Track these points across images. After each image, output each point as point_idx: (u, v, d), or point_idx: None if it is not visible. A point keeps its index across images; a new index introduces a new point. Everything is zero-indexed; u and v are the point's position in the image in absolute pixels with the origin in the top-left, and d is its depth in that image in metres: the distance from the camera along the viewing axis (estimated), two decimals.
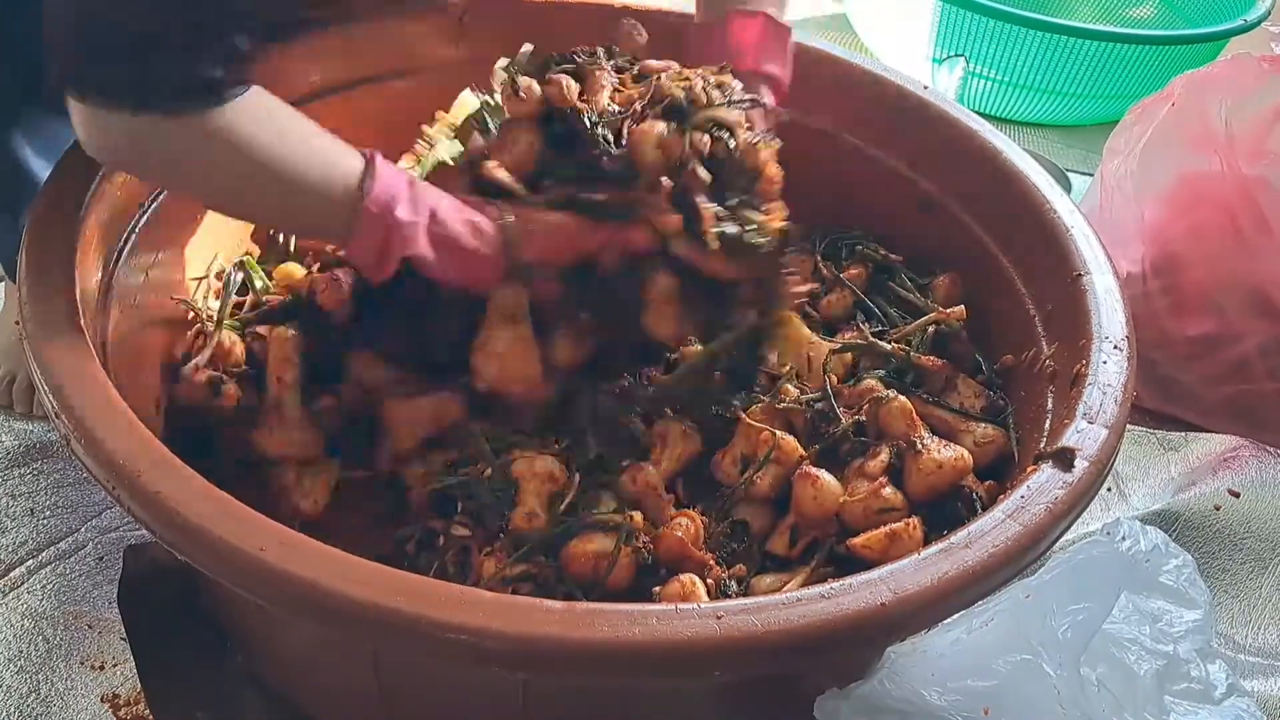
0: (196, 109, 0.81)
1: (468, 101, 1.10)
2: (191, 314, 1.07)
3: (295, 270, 1.12)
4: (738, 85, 0.96)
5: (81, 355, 0.81)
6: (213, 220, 1.10)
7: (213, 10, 0.81)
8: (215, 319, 1.05)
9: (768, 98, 1.03)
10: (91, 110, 0.81)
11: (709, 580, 0.86)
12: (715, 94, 0.93)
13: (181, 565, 0.74)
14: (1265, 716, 0.98)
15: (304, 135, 0.88)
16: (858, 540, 0.89)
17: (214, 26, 0.81)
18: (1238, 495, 1.21)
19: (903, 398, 0.98)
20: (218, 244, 1.12)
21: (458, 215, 0.91)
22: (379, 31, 1.20)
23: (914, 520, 0.89)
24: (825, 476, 0.92)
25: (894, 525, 0.89)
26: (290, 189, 0.87)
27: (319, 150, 0.88)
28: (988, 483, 0.95)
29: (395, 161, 0.99)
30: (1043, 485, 0.80)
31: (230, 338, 1.04)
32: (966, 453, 0.94)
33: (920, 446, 0.94)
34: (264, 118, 0.85)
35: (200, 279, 1.11)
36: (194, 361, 1.01)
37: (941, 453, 0.93)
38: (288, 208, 0.90)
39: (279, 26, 0.90)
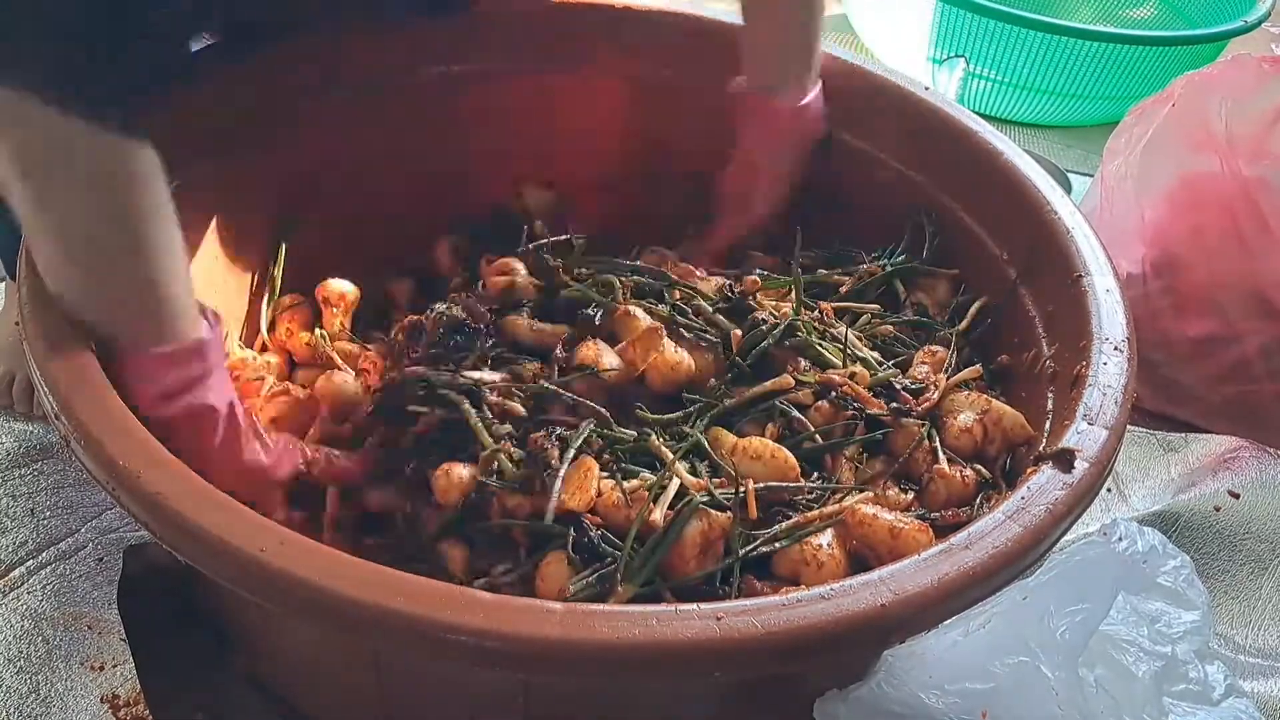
0: (121, 131, 0.75)
1: None
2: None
3: (344, 384, 1.02)
4: None
5: (81, 355, 0.81)
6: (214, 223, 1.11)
7: (160, 17, 0.76)
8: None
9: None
10: None
11: None
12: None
13: (181, 565, 0.74)
14: (1264, 717, 0.98)
15: (178, 235, 0.81)
16: None
17: (159, 32, 0.76)
18: (1238, 496, 1.21)
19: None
20: (218, 247, 1.12)
21: (249, 421, 0.87)
22: (372, 36, 1.19)
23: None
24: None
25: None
26: (148, 270, 0.78)
27: (185, 264, 0.82)
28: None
29: None
30: (1043, 486, 0.80)
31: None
32: (973, 474, 0.95)
33: (933, 488, 0.94)
34: (161, 185, 0.78)
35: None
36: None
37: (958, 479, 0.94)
38: (130, 282, 0.80)
39: (249, 28, 0.84)
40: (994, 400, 0.98)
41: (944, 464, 0.94)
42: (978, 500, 0.93)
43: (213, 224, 1.08)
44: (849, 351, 1.03)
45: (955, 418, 0.98)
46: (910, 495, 0.94)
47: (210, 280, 1.08)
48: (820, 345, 1.02)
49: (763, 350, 1.00)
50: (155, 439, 0.77)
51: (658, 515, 0.84)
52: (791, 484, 0.90)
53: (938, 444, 0.97)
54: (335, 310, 1.13)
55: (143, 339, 0.81)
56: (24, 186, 0.75)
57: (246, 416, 0.88)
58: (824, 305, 1.09)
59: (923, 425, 0.98)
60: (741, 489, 0.88)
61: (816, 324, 1.05)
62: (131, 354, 0.81)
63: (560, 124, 1.31)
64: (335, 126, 1.18)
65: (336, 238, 1.20)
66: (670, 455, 0.89)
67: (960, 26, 1.86)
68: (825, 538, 0.87)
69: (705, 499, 0.86)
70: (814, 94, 1.17)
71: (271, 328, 1.13)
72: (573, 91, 1.29)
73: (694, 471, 0.90)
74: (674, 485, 0.86)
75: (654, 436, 0.91)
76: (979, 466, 0.96)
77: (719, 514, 0.85)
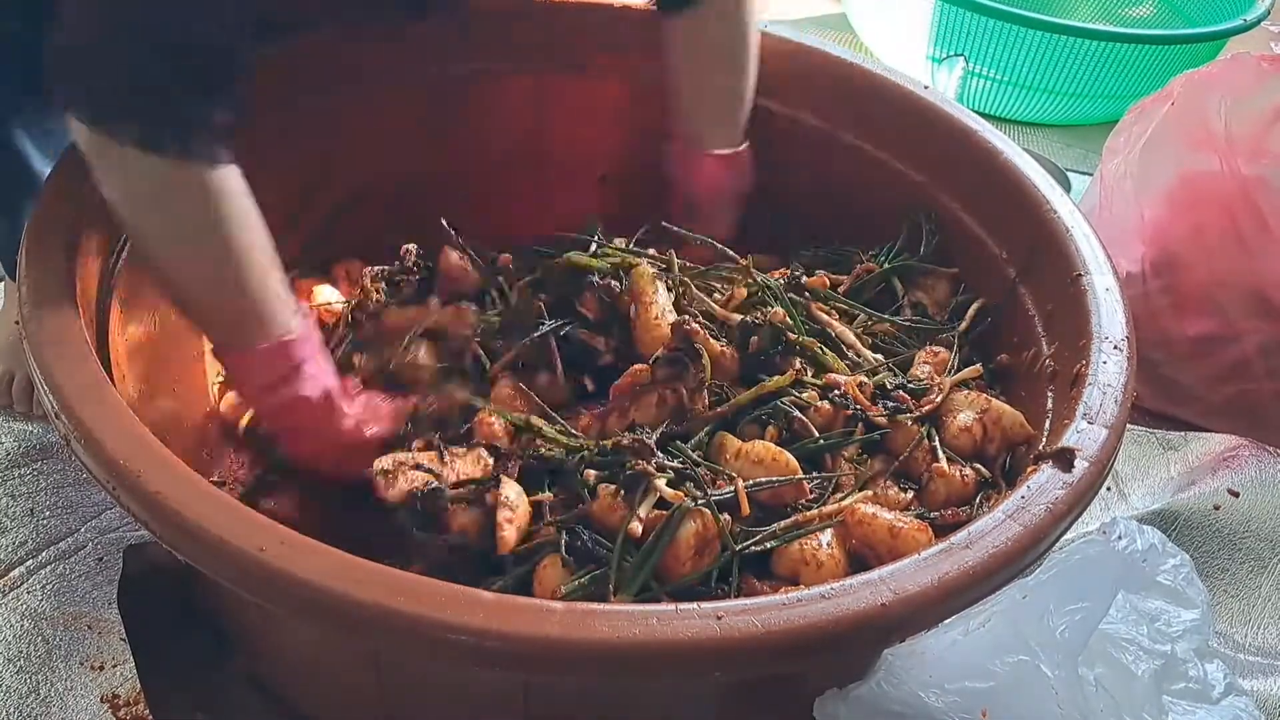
0: (204, 160, 0.82)
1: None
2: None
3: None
4: None
5: (81, 355, 0.81)
6: None
7: (222, 57, 0.81)
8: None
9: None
10: (93, 136, 0.81)
11: None
12: None
13: (181, 565, 0.74)
14: (1264, 716, 0.98)
15: (264, 244, 0.87)
16: None
17: (224, 72, 0.82)
18: (1237, 495, 1.21)
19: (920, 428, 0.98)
20: None
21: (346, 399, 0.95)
22: (372, 37, 1.19)
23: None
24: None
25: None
26: (236, 277, 0.86)
27: (272, 269, 0.88)
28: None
29: None
30: (1043, 485, 0.80)
31: None
32: (973, 474, 0.95)
33: (933, 487, 0.94)
34: (245, 201, 0.85)
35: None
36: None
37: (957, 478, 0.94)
38: (222, 289, 0.87)
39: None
40: (994, 399, 0.98)
41: (943, 463, 0.95)
42: (977, 499, 0.93)
43: None
44: (858, 361, 1.04)
45: (955, 417, 0.98)
46: (910, 494, 0.94)
47: None
48: (822, 350, 1.03)
49: (769, 353, 1.01)
50: (156, 439, 0.77)
51: (640, 518, 0.84)
52: (791, 478, 0.90)
53: (937, 443, 0.97)
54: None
55: (239, 339, 0.89)
56: (133, 218, 0.85)
57: (344, 395, 0.96)
58: (820, 307, 1.09)
59: (922, 425, 0.98)
60: (731, 488, 0.88)
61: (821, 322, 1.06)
62: (231, 352, 0.91)
63: (559, 123, 1.31)
64: (336, 126, 1.18)
65: (339, 236, 1.21)
66: (650, 466, 0.88)
67: (960, 25, 1.86)
68: (825, 537, 0.87)
69: (696, 502, 0.86)
70: (742, 148, 1.20)
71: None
72: (572, 91, 1.29)
73: (692, 476, 0.89)
74: (654, 495, 0.86)
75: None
76: (979, 466, 0.96)
77: (712, 515, 0.85)
